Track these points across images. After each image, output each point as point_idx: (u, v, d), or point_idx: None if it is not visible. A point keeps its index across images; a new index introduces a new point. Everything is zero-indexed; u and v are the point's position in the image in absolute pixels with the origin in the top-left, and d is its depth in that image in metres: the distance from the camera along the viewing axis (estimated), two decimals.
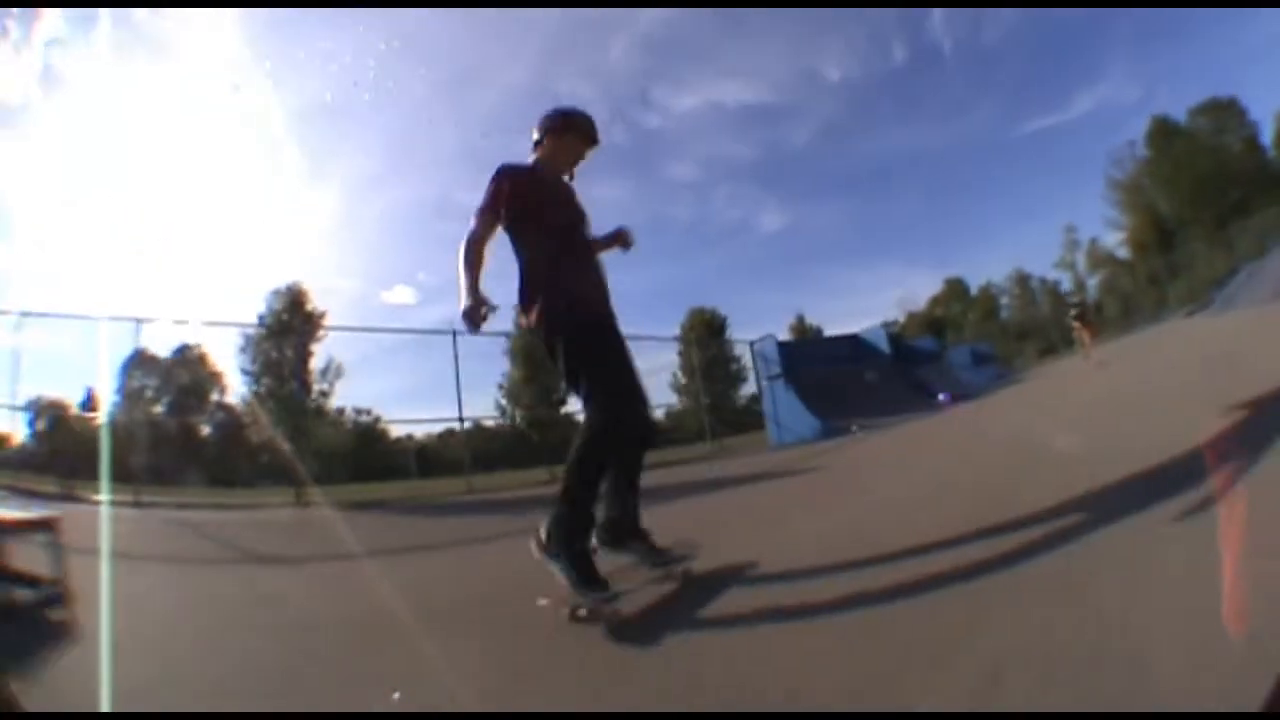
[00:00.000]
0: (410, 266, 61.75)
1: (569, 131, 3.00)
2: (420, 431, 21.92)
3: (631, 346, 2.87)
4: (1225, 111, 44.13)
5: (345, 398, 18.97)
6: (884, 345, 17.22)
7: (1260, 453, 2.75)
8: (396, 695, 1.90)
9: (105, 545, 5.36)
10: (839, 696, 1.53)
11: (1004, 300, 58.32)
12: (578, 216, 2.99)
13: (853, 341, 17.56)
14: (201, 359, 23.76)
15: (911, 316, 59.49)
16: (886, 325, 22.08)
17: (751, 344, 16.81)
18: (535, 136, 3.02)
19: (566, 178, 3.04)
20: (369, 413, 22.91)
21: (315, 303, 18.66)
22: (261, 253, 46.30)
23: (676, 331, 26.25)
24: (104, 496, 8.52)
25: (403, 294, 46.23)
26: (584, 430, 2.60)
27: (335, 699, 2.03)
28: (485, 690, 1.83)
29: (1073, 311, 16.99)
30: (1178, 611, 1.58)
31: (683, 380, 23.60)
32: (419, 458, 20.95)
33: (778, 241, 62.79)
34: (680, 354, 24.41)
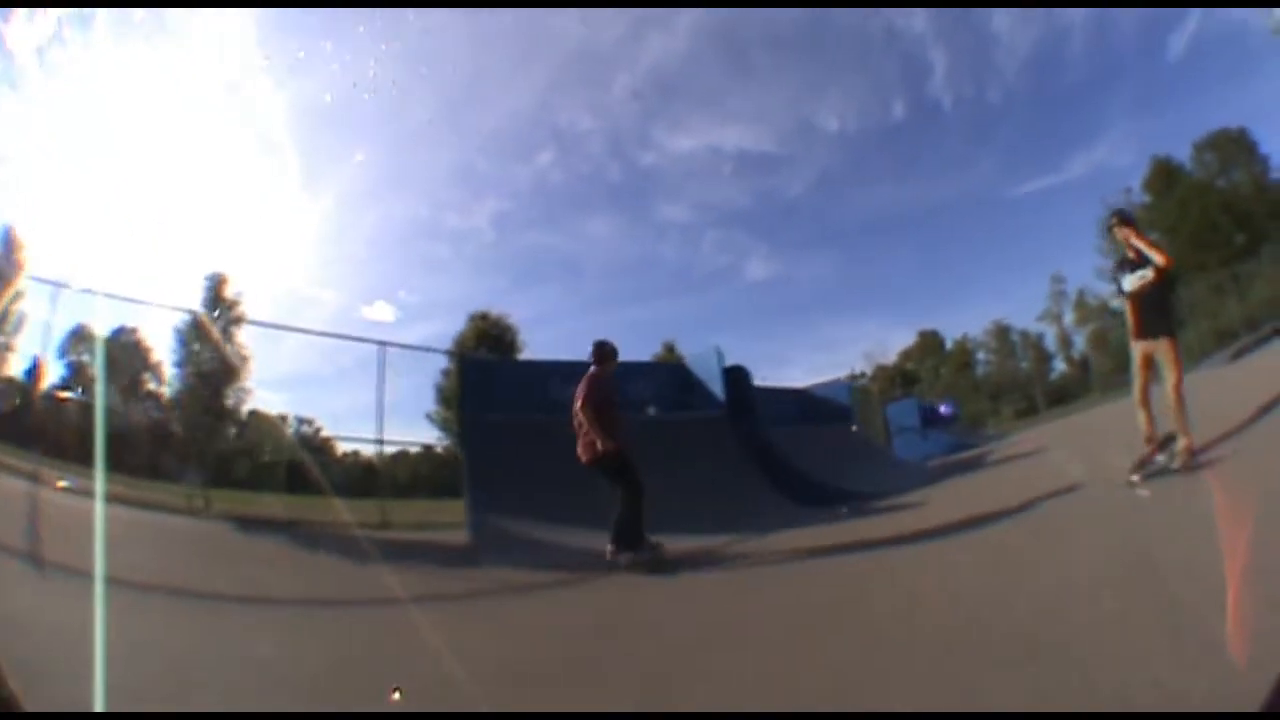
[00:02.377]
0: (393, 283, 57.15)
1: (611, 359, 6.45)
2: (371, 450, 17.63)
3: None
4: (1234, 144, 38.33)
5: (298, 406, 19.30)
6: (715, 383, 9.30)
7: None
8: (397, 695, 2.23)
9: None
10: None
11: (981, 355, 52.43)
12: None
13: (649, 374, 9.63)
14: (138, 344, 21.12)
15: (881, 369, 53.80)
16: (856, 377, 14.15)
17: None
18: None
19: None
20: (311, 423, 20.42)
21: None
22: (246, 253, 43.94)
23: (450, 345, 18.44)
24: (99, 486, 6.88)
25: (383, 310, 45.03)
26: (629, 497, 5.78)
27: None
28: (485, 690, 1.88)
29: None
30: (1178, 612, 1.72)
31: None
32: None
33: (763, 290, 61.56)
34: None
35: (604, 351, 6.36)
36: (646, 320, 61.05)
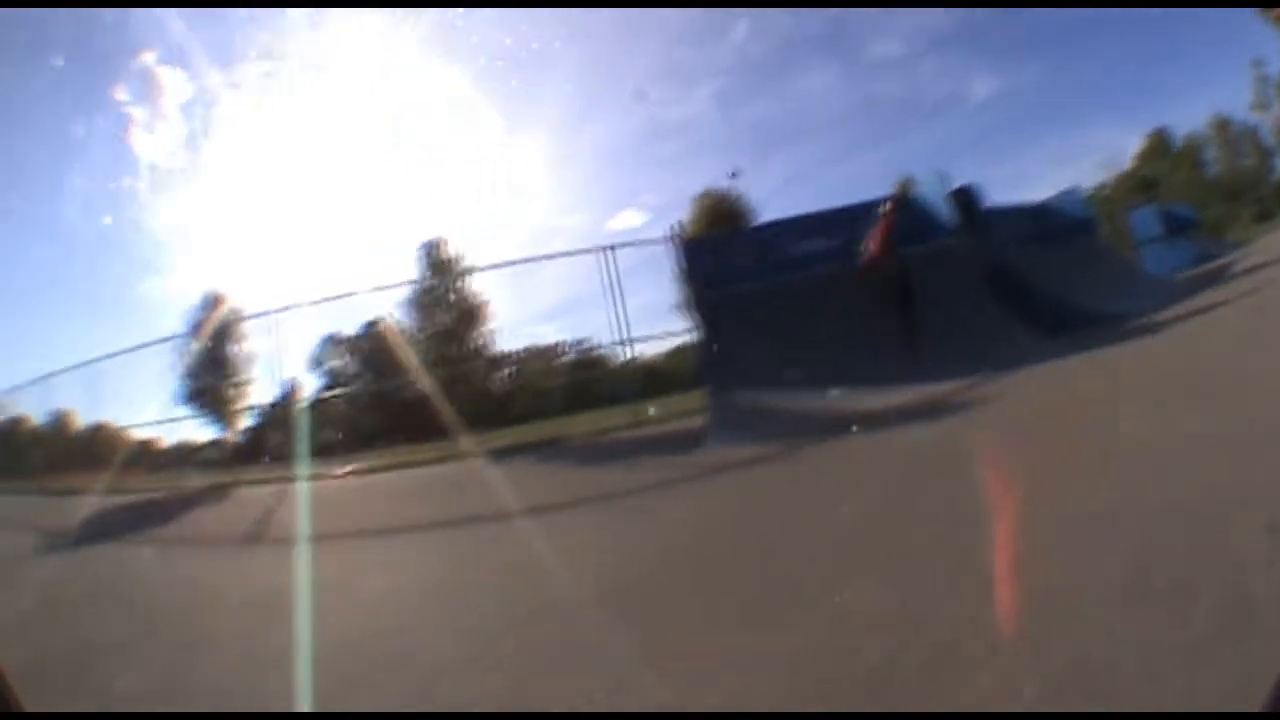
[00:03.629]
0: (632, 191, 60.29)
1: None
2: (650, 351, 19.29)
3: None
4: None
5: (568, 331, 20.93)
6: (938, 207, 8.17)
7: None
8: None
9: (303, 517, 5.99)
10: None
11: (1208, 154, 44.81)
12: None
13: (868, 213, 8.42)
14: (392, 329, 22.70)
15: (1119, 178, 47.69)
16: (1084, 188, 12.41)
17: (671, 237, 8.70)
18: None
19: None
20: (587, 341, 21.48)
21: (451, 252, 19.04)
22: (482, 206, 46.91)
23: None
24: (302, 472, 9.14)
25: (630, 217, 47.59)
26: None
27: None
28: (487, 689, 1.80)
29: None
30: (1177, 611, 1.50)
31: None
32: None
33: (990, 110, 56.38)
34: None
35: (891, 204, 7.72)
36: (881, 161, 56.00)
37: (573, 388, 20.07)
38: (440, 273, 19.27)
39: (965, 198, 8.46)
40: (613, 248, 11.25)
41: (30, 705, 1.88)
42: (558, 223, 45.68)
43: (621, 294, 10.85)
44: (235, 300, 17.77)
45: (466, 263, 19.49)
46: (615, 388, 14.36)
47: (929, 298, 6.68)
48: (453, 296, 18.82)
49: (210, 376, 17.01)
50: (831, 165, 54.87)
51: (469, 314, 18.91)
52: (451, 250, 19.72)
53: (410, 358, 18.16)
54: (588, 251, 11.81)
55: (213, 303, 17.60)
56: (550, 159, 54.20)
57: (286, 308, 14.55)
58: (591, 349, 20.64)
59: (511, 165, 49.19)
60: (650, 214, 49.62)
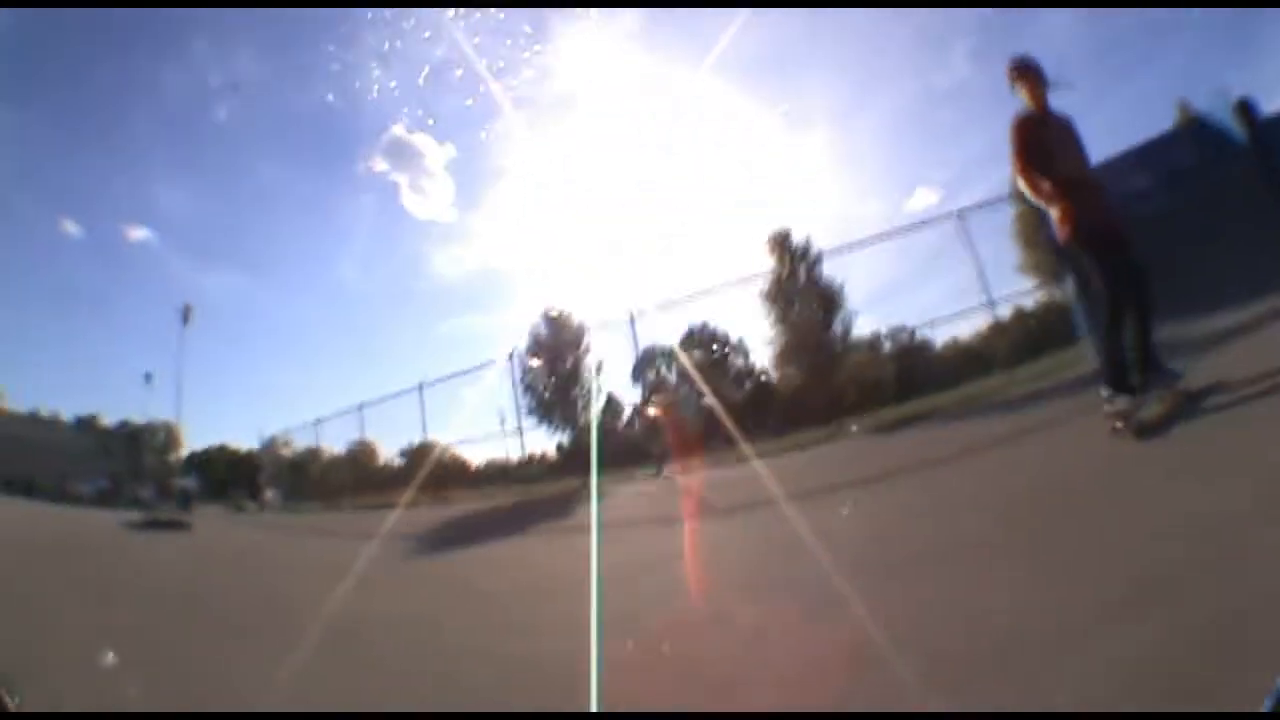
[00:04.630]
0: (922, 167, 55.65)
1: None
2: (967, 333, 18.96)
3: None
4: None
5: (886, 318, 20.84)
6: (1225, 128, 7.32)
7: None
8: None
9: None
10: None
11: None
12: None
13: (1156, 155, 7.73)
14: (714, 336, 22.78)
15: None
16: None
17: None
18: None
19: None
20: (904, 328, 21.26)
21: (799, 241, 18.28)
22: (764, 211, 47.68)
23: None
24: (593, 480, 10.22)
25: (924, 196, 44.99)
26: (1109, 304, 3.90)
27: None
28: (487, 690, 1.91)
29: None
30: (1175, 610, 1.58)
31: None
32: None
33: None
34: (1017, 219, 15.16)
35: (1017, 72, 4.18)
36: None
37: (904, 372, 19.43)
38: (790, 262, 18.69)
39: (1248, 112, 7.60)
40: (960, 213, 12.32)
41: (30, 705, 1.91)
42: (850, 210, 44.24)
43: (978, 259, 12.25)
44: (566, 316, 18.50)
45: (814, 251, 18.79)
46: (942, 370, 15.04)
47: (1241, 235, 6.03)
48: (805, 285, 18.26)
49: (533, 395, 17.67)
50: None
51: (828, 301, 18.16)
52: (799, 239, 18.95)
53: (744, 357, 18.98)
54: (941, 220, 13.00)
55: (548, 321, 18.43)
56: (831, 149, 52.24)
57: (606, 322, 15.72)
58: (911, 332, 20.34)
59: (797, 162, 47.31)
60: (945, 190, 45.22)
